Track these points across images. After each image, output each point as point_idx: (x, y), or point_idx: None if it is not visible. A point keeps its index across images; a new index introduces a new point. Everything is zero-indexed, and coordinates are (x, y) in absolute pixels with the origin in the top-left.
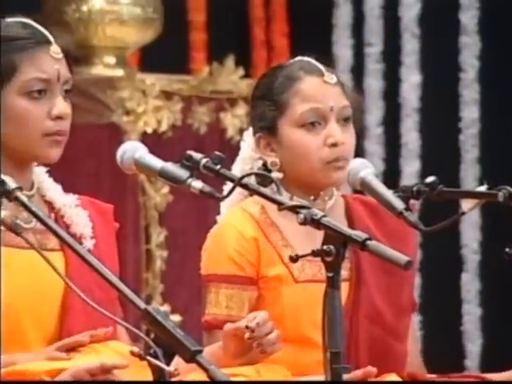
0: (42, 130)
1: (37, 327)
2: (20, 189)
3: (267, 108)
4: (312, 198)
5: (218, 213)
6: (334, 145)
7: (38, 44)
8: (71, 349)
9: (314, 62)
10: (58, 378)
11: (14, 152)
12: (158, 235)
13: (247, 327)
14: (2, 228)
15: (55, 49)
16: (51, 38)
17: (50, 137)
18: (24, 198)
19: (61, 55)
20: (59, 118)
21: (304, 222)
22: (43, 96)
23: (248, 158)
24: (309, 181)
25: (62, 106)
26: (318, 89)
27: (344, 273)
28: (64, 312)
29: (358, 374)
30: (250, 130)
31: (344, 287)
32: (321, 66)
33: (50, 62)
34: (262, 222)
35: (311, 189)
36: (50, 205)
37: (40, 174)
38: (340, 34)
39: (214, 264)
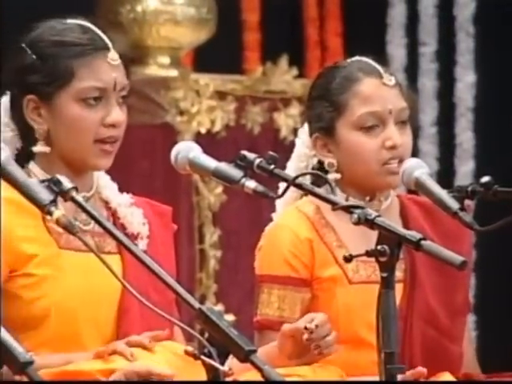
0: (94, 136)
1: (94, 330)
2: (76, 189)
3: (325, 109)
4: (368, 198)
5: (273, 210)
6: (393, 147)
7: (96, 50)
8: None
9: (372, 62)
10: (112, 378)
11: (67, 157)
12: (212, 235)
13: (306, 328)
14: (61, 230)
15: (113, 55)
16: (110, 44)
17: (101, 144)
18: (80, 198)
19: (118, 61)
20: (112, 125)
21: (358, 222)
22: (98, 103)
23: (303, 155)
24: (365, 183)
25: (116, 114)
26: (376, 91)
27: (398, 274)
28: (121, 314)
29: (407, 374)
30: (306, 127)
31: (398, 288)
32: (379, 68)
33: (108, 70)
34: (316, 222)
35: (367, 190)
36: (106, 204)
37: (99, 173)
38: (394, 33)
39: (268, 265)
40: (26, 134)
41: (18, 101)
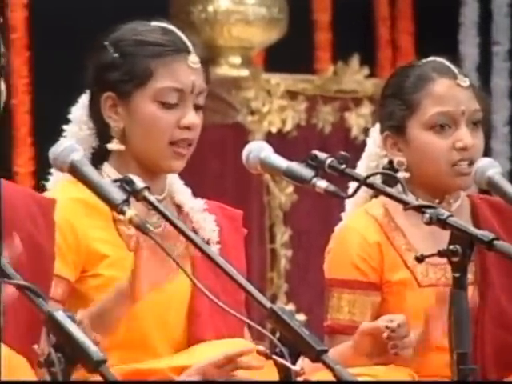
0: (169, 137)
1: (163, 333)
2: (148, 188)
3: (397, 107)
4: (437, 201)
5: (344, 210)
6: (463, 149)
7: (176, 52)
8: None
9: (447, 63)
10: (184, 376)
11: (141, 157)
12: (283, 235)
13: (387, 327)
14: (131, 233)
15: (193, 58)
16: (191, 47)
17: (175, 146)
18: (152, 198)
19: (198, 65)
20: (187, 128)
21: (430, 222)
22: (175, 105)
23: (374, 154)
24: (435, 183)
25: (191, 116)
26: (450, 91)
27: (468, 276)
28: (191, 318)
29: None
30: (377, 126)
31: (468, 290)
32: (454, 68)
33: (187, 73)
34: (385, 225)
35: (437, 191)
36: (178, 208)
37: (172, 177)
38: (467, 32)
39: (337, 268)
40: (103, 132)
41: (96, 98)
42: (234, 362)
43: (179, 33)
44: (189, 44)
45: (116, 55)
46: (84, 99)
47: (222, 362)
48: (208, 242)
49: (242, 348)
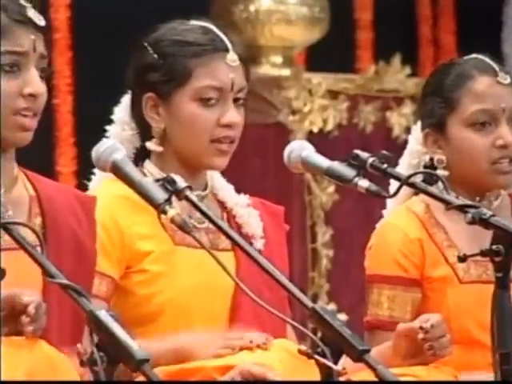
0: (210, 136)
1: (207, 326)
2: (190, 188)
3: (437, 105)
4: (478, 199)
5: (384, 208)
6: (504, 147)
7: (214, 51)
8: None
9: (488, 60)
10: (227, 376)
11: (183, 156)
12: (324, 234)
13: (421, 328)
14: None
15: (232, 56)
16: (229, 45)
17: (217, 143)
18: (193, 197)
19: (237, 63)
20: (228, 126)
21: (472, 222)
22: (215, 103)
23: (415, 152)
24: (475, 181)
25: (232, 114)
26: (490, 89)
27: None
28: (234, 312)
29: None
30: (419, 124)
31: None
32: (495, 65)
33: (225, 71)
34: (426, 221)
35: (477, 189)
36: (222, 204)
37: (213, 174)
38: (509, 31)
39: (378, 264)
40: (145, 132)
41: (137, 99)
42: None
43: (218, 31)
44: (227, 42)
45: (155, 56)
46: (126, 99)
47: (261, 376)
48: (253, 237)
49: (278, 375)
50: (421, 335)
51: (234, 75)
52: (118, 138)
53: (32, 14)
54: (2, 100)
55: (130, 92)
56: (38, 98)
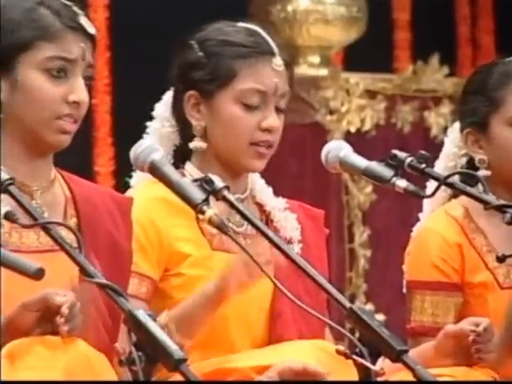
0: (249, 139)
1: (244, 332)
2: (227, 188)
3: (480, 104)
4: None
5: (421, 211)
6: None
7: (260, 54)
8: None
9: None
10: (265, 376)
11: (223, 157)
12: (362, 234)
13: (473, 331)
14: (213, 231)
15: (277, 61)
16: (276, 50)
17: (256, 146)
18: (231, 198)
19: (282, 68)
20: (268, 130)
21: (511, 222)
22: (257, 107)
23: (451, 154)
24: None
25: (272, 119)
26: None
27: None
28: (273, 318)
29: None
30: (455, 125)
31: None
32: None
33: (270, 74)
34: (465, 226)
35: None
36: (260, 207)
37: (254, 176)
38: None
39: (418, 270)
40: (185, 130)
41: (179, 96)
42: (309, 376)
43: (265, 34)
44: (274, 46)
45: (201, 54)
46: (168, 96)
47: (300, 373)
48: (290, 241)
49: (320, 371)
50: (471, 337)
51: (278, 80)
52: (157, 135)
53: (84, 21)
54: (45, 103)
55: (172, 89)
56: (81, 106)
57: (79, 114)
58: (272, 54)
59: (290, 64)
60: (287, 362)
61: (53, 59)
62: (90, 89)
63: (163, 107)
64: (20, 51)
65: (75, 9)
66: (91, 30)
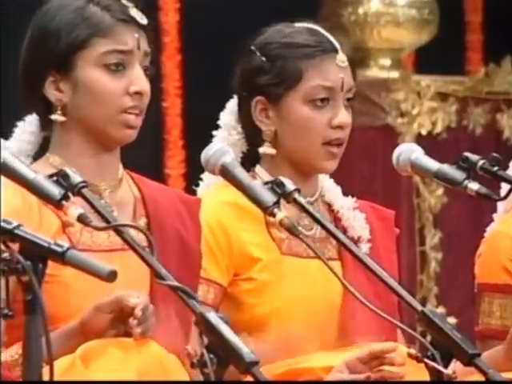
0: (321, 138)
1: (315, 335)
2: (298, 191)
3: None
4: None
5: (494, 210)
6: None
7: (324, 52)
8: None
9: None
10: (334, 370)
11: (294, 159)
12: (433, 237)
13: None
14: (283, 236)
15: (341, 57)
16: (338, 47)
17: (328, 146)
18: (302, 200)
19: (346, 64)
20: (339, 127)
21: None
22: (326, 104)
23: None
24: None
25: (343, 115)
26: None
27: None
28: (343, 320)
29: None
30: None
31: None
32: None
33: (335, 71)
34: None
35: None
36: (328, 206)
37: (322, 176)
38: None
39: (487, 273)
40: (253, 136)
41: (246, 103)
42: (379, 358)
43: (325, 33)
44: (336, 43)
45: (264, 59)
46: (232, 104)
47: (368, 358)
48: (358, 241)
49: (387, 346)
50: None
51: (343, 75)
52: (225, 143)
53: (134, 13)
54: (108, 98)
55: (236, 97)
56: (144, 96)
57: (143, 104)
58: (335, 51)
59: (352, 59)
60: (353, 355)
61: (109, 53)
62: (156, 81)
63: (228, 116)
64: (77, 50)
65: (124, 1)
66: (143, 20)
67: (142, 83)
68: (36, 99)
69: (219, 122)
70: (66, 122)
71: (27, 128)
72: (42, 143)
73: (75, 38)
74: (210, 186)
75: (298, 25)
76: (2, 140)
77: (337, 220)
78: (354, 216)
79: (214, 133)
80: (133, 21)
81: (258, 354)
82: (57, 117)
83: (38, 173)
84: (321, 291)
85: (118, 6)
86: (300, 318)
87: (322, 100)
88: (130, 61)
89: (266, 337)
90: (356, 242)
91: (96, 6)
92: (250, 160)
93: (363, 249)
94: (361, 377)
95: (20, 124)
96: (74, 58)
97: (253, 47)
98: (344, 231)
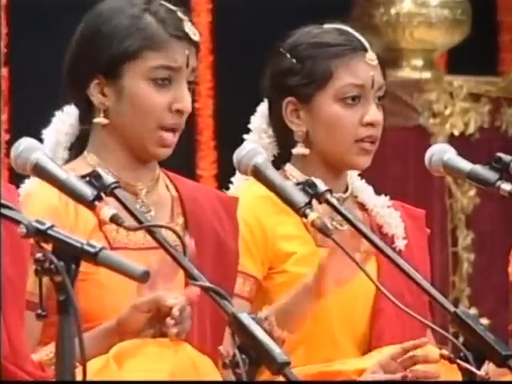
0: (353, 136)
1: (348, 329)
2: (330, 191)
3: None
4: None
5: None
6: None
7: (354, 51)
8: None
9: None
10: (368, 371)
11: (327, 158)
12: (465, 238)
13: None
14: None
15: (371, 56)
16: (367, 45)
17: (360, 143)
18: (334, 200)
19: (376, 62)
20: (370, 124)
21: None
22: (357, 103)
23: None
24: None
25: (374, 113)
26: None
27: None
28: (375, 316)
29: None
30: None
31: None
32: None
33: (365, 69)
34: None
35: None
36: (361, 206)
37: (353, 176)
38: None
39: None
40: (284, 138)
41: (276, 105)
42: (413, 358)
43: (354, 32)
44: (365, 42)
45: (293, 60)
46: (262, 108)
47: (401, 354)
48: (394, 237)
49: (419, 341)
50: None
51: (373, 73)
52: None
53: (188, 28)
54: (151, 112)
55: (266, 100)
56: (184, 115)
57: (182, 122)
58: (365, 49)
59: (381, 58)
60: (386, 353)
61: (159, 69)
62: (193, 92)
63: (259, 119)
64: (127, 60)
65: (180, 14)
66: (195, 37)
67: (186, 103)
68: (79, 98)
69: (250, 126)
70: (107, 124)
71: (66, 119)
72: (79, 136)
73: (127, 47)
74: (244, 182)
75: (326, 26)
76: (36, 139)
77: (371, 218)
78: (390, 214)
79: (245, 136)
80: (186, 37)
81: (294, 348)
82: (100, 120)
83: (70, 173)
84: (356, 284)
85: (173, 20)
86: (334, 312)
87: (353, 98)
88: (178, 77)
89: (301, 330)
90: (391, 239)
91: (152, 17)
92: (281, 163)
93: (400, 245)
94: (397, 376)
95: (58, 114)
96: (123, 67)
97: (282, 49)
98: (379, 229)
